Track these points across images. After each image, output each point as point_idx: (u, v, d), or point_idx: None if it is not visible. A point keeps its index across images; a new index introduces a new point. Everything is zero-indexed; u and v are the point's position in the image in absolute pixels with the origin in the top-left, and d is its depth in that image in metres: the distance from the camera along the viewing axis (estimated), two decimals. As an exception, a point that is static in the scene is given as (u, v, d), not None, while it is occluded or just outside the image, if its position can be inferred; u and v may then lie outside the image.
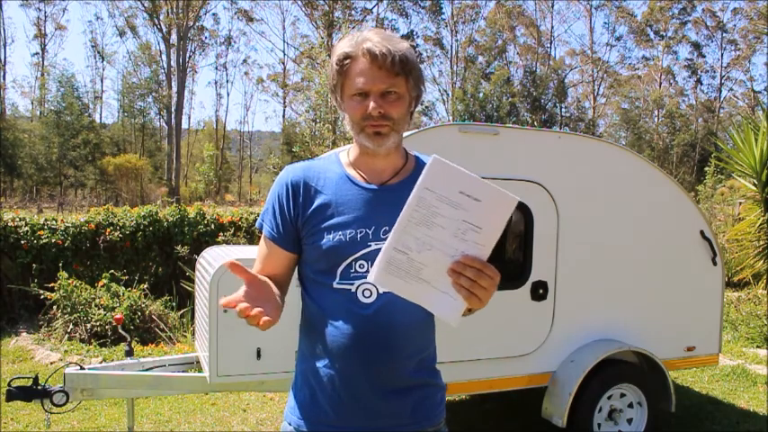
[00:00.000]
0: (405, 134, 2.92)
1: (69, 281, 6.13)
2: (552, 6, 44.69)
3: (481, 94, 39.33)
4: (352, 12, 36.01)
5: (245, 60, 66.78)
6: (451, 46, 43.02)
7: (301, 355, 1.50)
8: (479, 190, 1.14)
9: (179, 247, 7.09)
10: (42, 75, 40.40)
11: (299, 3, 35.50)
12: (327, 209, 1.41)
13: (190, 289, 5.83)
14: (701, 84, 45.60)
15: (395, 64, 1.34)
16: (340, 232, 1.39)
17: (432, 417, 1.47)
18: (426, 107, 39.28)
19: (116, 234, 7.02)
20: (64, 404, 3.14)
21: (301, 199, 1.44)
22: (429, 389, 1.48)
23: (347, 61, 1.37)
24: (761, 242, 6.55)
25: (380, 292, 1.36)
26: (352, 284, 1.38)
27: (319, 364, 1.43)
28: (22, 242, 6.68)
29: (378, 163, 1.44)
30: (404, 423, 1.43)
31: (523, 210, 3.42)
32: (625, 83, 45.06)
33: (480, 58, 43.14)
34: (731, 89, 45.42)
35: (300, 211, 1.43)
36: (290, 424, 1.47)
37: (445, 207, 1.15)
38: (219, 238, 7.27)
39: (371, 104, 1.34)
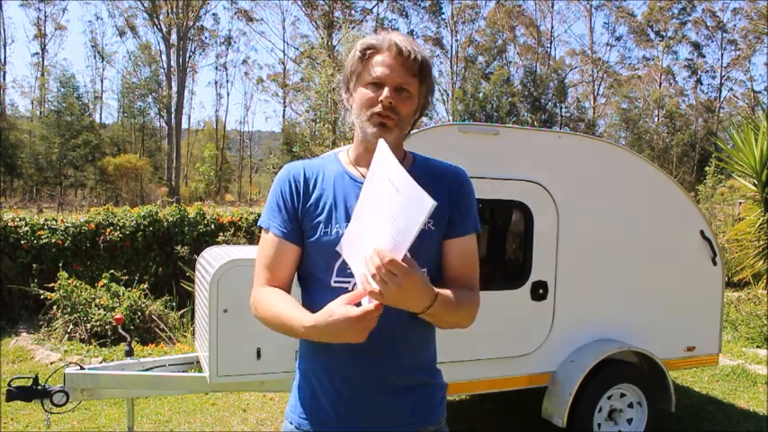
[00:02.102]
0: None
1: (69, 281, 6.13)
2: (552, 6, 44.71)
3: (481, 94, 39.32)
4: (352, 12, 36.03)
5: (245, 60, 66.69)
6: (451, 46, 43.08)
7: (302, 354, 1.50)
8: (402, 182, 1.16)
9: (179, 247, 7.09)
10: (42, 75, 40.44)
11: (299, 3, 35.53)
12: (324, 203, 1.43)
13: (190, 289, 5.83)
14: (701, 84, 45.65)
15: (416, 63, 1.38)
16: (337, 226, 1.40)
17: (432, 416, 1.47)
18: (426, 107, 39.12)
19: (116, 234, 7.02)
20: (64, 404, 3.14)
21: (302, 193, 1.46)
22: (429, 388, 1.48)
23: (370, 51, 1.40)
24: (761, 242, 6.55)
25: None
26: (348, 282, 1.38)
27: (319, 364, 1.43)
28: (22, 242, 6.67)
29: None
30: (404, 422, 1.42)
31: (523, 210, 3.42)
32: (625, 83, 45.05)
33: (480, 58, 43.17)
34: (731, 89, 45.47)
35: (301, 205, 1.45)
36: (291, 423, 1.47)
37: (375, 189, 1.22)
38: (219, 238, 7.26)
39: (385, 93, 1.37)
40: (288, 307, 1.36)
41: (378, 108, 1.38)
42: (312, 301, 1.43)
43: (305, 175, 1.47)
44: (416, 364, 1.45)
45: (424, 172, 1.47)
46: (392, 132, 1.40)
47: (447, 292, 1.32)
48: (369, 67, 1.40)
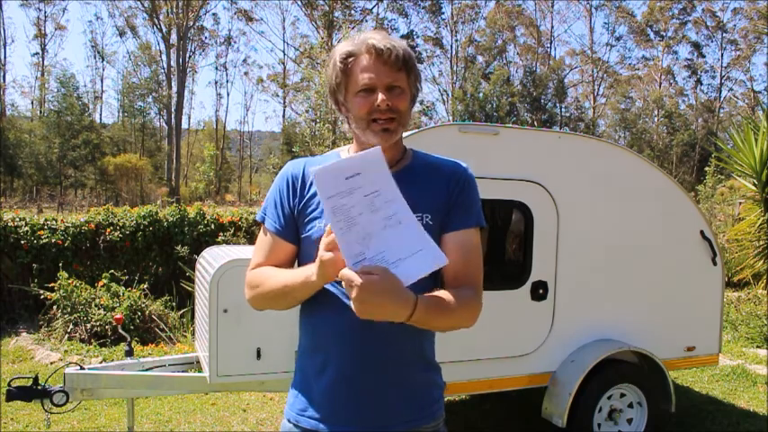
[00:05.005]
0: (404, 134, 2.91)
1: (69, 281, 6.13)
2: (552, 6, 44.72)
3: (481, 94, 39.32)
4: (352, 12, 36.03)
5: (244, 60, 66.98)
6: (451, 46, 43.07)
7: (300, 351, 1.51)
8: (351, 166, 1.19)
9: (179, 247, 7.09)
10: (42, 75, 40.45)
11: (299, 3, 35.50)
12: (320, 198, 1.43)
13: (190, 289, 5.83)
14: (701, 84, 45.64)
15: (398, 59, 1.37)
16: None
17: (430, 414, 1.46)
18: (426, 107, 39.26)
19: (116, 234, 7.02)
20: (64, 404, 3.14)
21: (299, 190, 1.47)
22: (427, 386, 1.47)
23: (351, 59, 1.38)
24: (761, 242, 6.55)
25: None
26: None
27: (317, 361, 1.43)
28: (22, 242, 6.67)
29: None
30: (401, 420, 1.42)
31: (523, 210, 3.43)
32: (625, 83, 45.04)
33: (480, 58, 43.19)
34: (731, 89, 45.46)
35: (297, 202, 1.46)
36: (289, 421, 1.48)
37: (348, 198, 1.19)
38: (219, 238, 7.27)
39: (380, 97, 1.36)
40: (278, 270, 1.44)
41: (376, 114, 1.37)
42: (310, 298, 1.43)
43: (304, 172, 1.48)
44: (414, 362, 1.45)
45: (423, 167, 1.48)
46: (396, 133, 1.41)
47: (432, 298, 1.28)
48: (354, 76, 1.38)
